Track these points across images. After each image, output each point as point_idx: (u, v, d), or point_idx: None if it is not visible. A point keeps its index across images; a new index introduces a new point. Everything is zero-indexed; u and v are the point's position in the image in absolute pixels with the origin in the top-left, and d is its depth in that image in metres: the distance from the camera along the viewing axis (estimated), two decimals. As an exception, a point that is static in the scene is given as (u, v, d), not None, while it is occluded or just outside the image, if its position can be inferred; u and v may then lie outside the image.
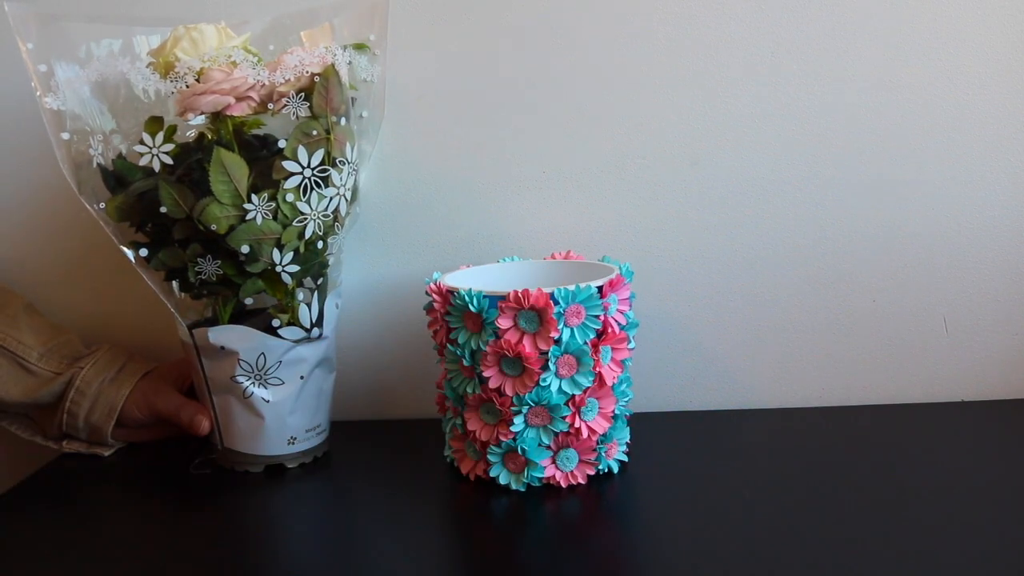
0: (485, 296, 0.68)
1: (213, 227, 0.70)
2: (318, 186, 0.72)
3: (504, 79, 0.85)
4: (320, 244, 0.75)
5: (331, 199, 0.74)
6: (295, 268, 0.74)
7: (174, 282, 0.76)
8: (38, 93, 0.70)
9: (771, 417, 0.84)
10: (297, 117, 0.71)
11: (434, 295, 0.72)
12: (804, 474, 0.71)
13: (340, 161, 0.74)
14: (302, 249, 0.74)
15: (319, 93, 0.71)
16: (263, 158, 0.72)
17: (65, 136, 0.71)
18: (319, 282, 0.78)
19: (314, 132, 0.71)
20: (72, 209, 0.90)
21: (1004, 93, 0.80)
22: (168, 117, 0.71)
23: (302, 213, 0.72)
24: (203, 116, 0.70)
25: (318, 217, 0.73)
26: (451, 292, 0.70)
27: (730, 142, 0.83)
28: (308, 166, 0.72)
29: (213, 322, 0.76)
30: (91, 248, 0.91)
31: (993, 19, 0.79)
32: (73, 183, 0.72)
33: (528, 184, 0.86)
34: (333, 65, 0.72)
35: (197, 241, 0.72)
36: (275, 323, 0.75)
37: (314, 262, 0.75)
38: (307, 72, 0.71)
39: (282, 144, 0.71)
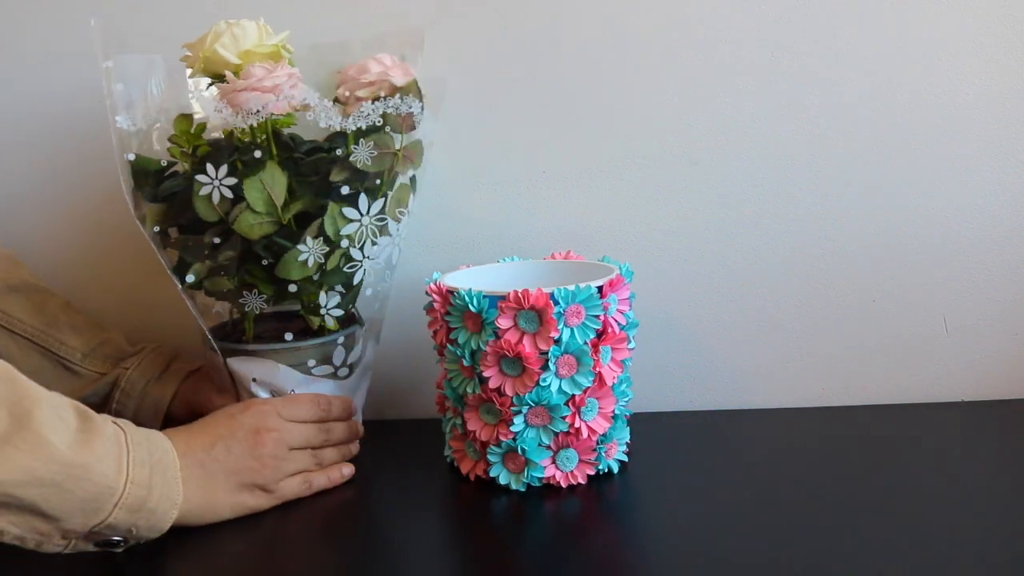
0: (485, 296, 0.68)
1: (257, 250, 0.69)
2: (373, 235, 0.71)
3: (504, 80, 0.85)
4: (369, 291, 0.74)
5: (385, 247, 0.73)
6: (339, 312, 0.73)
7: (189, 277, 0.72)
8: (111, 112, 0.68)
9: (771, 417, 0.84)
10: (363, 126, 0.69)
11: (434, 295, 0.72)
12: (804, 474, 0.71)
13: (400, 211, 0.73)
14: (347, 291, 0.73)
15: (397, 107, 0.71)
16: (298, 159, 0.71)
17: (130, 157, 0.69)
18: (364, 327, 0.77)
19: (384, 148, 0.70)
20: (104, 208, 0.90)
21: (1003, 93, 0.80)
22: (197, 113, 0.70)
23: (354, 260, 0.71)
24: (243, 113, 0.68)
25: (368, 265, 0.73)
26: (451, 292, 0.70)
27: (730, 142, 0.83)
28: (367, 213, 0.70)
29: (239, 326, 0.75)
30: (128, 251, 0.90)
31: (992, 20, 0.79)
32: (131, 205, 0.71)
33: (528, 184, 0.86)
34: (416, 81, 0.71)
35: (231, 248, 0.70)
36: (310, 363, 0.73)
37: (353, 299, 0.75)
38: (390, 81, 0.69)
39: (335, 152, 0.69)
